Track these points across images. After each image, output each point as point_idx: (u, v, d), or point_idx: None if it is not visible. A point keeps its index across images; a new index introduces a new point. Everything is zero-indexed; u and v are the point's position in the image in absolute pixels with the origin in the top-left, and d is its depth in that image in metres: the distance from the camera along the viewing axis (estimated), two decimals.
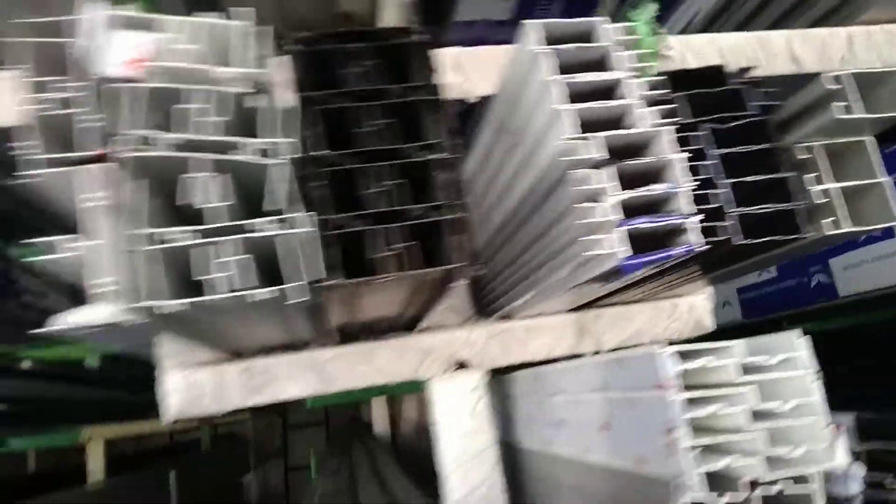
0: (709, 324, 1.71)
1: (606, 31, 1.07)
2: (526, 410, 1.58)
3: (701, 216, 1.00)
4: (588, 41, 1.07)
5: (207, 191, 0.87)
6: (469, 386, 1.60)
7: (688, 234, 0.99)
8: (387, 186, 0.95)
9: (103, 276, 0.81)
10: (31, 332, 0.86)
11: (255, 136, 0.90)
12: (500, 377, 1.77)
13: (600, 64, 1.07)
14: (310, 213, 0.90)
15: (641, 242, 1.00)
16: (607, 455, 1.13)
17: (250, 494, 7.41)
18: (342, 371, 1.56)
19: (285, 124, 0.92)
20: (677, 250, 0.98)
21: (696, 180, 1.03)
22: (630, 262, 0.96)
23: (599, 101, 1.02)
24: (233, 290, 0.86)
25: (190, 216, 0.91)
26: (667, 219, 0.99)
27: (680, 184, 0.99)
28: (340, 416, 10.35)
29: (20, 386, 3.30)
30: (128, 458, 6.02)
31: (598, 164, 0.99)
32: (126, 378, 4.73)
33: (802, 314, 2.86)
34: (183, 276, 0.88)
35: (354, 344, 1.56)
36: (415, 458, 3.74)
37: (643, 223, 0.98)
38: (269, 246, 0.89)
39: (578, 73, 1.04)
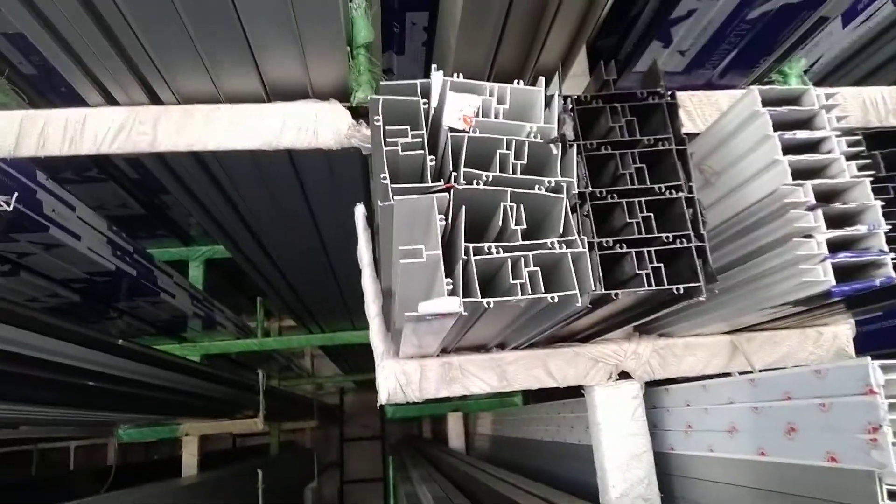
0: (850, 351, 1.87)
1: (814, 96, 1.28)
2: (685, 419, 1.77)
3: (894, 254, 1.20)
4: (796, 104, 1.29)
5: (511, 217, 1.12)
6: (631, 393, 1.81)
7: (886, 268, 1.19)
8: (638, 218, 1.18)
9: (444, 277, 1.06)
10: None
11: (543, 175, 1.15)
12: (648, 389, 1.96)
13: (807, 123, 1.29)
14: (582, 237, 1.14)
15: (839, 273, 1.20)
16: (790, 454, 1.32)
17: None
18: (520, 372, 1.79)
19: (564, 167, 1.16)
20: (879, 280, 1.18)
21: (889, 223, 1.23)
22: (839, 288, 1.17)
23: (810, 154, 1.24)
24: (524, 293, 1.10)
25: (481, 237, 1.16)
26: (867, 255, 1.19)
27: (880, 224, 1.19)
28: (396, 433, 10.58)
29: (131, 368, 3.46)
30: (208, 456, 6.34)
31: (811, 207, 1.20)
32: (224, 377, 5.06)
33: None
34: (481, 280, 1.13)
35: (531, 349, 1.79)
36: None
37: (849, 257, 1.18)
38: (551, 262, 1.14)
39: (787, 129, 1.26)
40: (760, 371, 1.83)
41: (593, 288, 1.09)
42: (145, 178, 3.78)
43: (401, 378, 1.71)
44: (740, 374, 1.91)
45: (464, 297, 1.08)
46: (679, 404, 1.82)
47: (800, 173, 1.23)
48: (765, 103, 1.28)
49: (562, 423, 2.93)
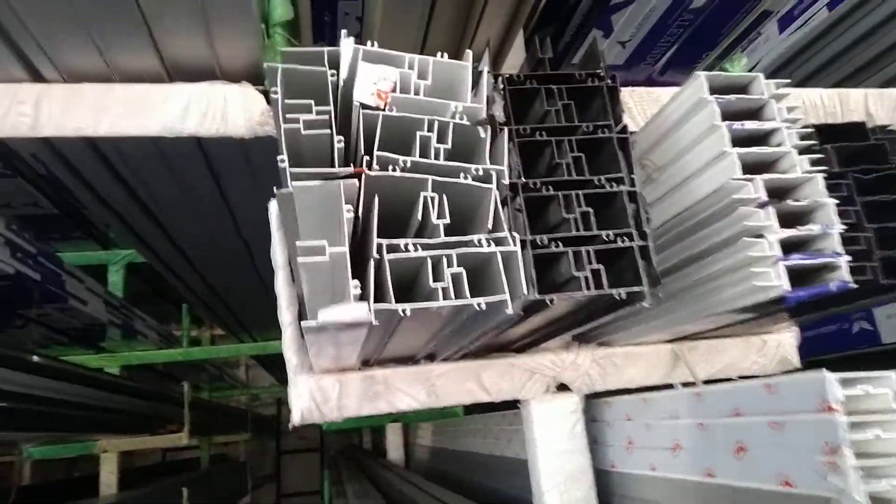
0: (795, 361, 1.80)
1: (763, 84, 1.18)
2: (626, 434, 1.65)
3: (849, 257, 1.11)
4: (744, 93, 1.19)
5: (433, 209, 0.96)
6: (569, 408, 1.68)
7: (840, 272, 1.09)
8: (576, 214, 1.04)
9: (350, 279, 0.89)
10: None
11: (470, 162, 1.00)
12: (589, 401, 1.84)
13: (756, 113, 1.18)
14: (513, 234, 0.99)
15: (792, 278, 1.10)
16: (740, 476, 1.21)
17: None
18: (451, 387, 1.63)
19: (494, 153, 1.01)
20: (834, 285, 1.07)
21: (843, 223, 1.14)
22: (793, 294, 1.06)
23: (760, 147, 1.13)
24: (446, 299, 0.94)
25: (399, 232, 1.00)
26: (822, 257, 1.09)
27: (833, 225, 1.09)
28: (336, 444, 10.29)
29: (42, 385, 3.23)
30: (131, 472, 5.97)
31: (762, 204, 1.09)
32: (145, 390, 4.74)
33: (842, 358, 2.96)
34: (398, 283, 0.97)
35: (463, 360, 1.64)
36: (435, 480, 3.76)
37: (802, 259, 1.08)
38: (478, 262, 0.98)
39: (735, 120, 1.15)
40: (704, 382, 1.73)
41: (526, 292, 0.95)
42: (57, 175, 3.46)
43: (316, 395, 1.52)
44: (683, 385, 1.81)
45: (375, 302, 0.91)
46: (620, 418, 1.70)
47: (749, 167, 1.12)
48: (712, 91, 1.16)
49: (500, 435, 2.79)
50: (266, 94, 1.65)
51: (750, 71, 2.49)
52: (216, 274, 3.50)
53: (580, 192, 1.04)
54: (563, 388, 1.68)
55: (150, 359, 5.20)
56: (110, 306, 4.40)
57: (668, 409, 1.47)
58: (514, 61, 1.82)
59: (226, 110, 1.65)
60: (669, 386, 1.78)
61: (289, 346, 1.54)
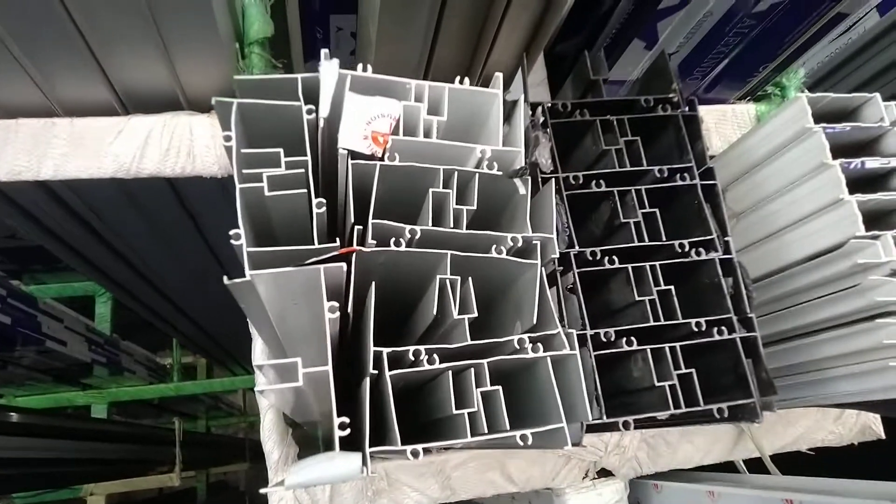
0: (878, 430, 1.50)
1: (881, 108, 0.89)
2: None
3: None
4: (855, 119, 0.90)
5: (454, 299, 0.67)
6: (612, 497, 1.38)
7: None
8: (652, 294, 0.75)
9: (335, 417, 0.60)
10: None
11: (502, 230, 0.71)
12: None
13: (872, 146, 0.90)
14: (568, 330, 0.70)
15: None
16: None
17: None
18: (469, 478, 1.33)
19: (536, 215, 0.72)
20: None
21: None
22: None
23: (884, 193, 0.84)
24: (476, 432, 0.65)
25: (404, 332, 0.71)
26: None
27: None
28: None
29: (23, 445, 3.06)
30: None
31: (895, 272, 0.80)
32: (133, 433, 4.47)
33: None
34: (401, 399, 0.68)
35: (482, 448, 1.34)
36: None
37: None
38: (517, 370, 0.69)
39: (846, 155, 0.86)
40: (771, 457, 1.44)
41: (589, 416, 0.65)
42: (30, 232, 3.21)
43: (303, 498, 1.22)
44: (745, 462, 1.52)
45: (373, 444, 0.62)
46: None
47: (868, 219, 0.83)
48: (816, 118, 0.88)
49: (517, 495, 2.48)
50: None
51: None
52: (202, 313, 3.21)
53: (656, 262, 0.75)
54: (604, 472, 1.39)
55: (139, 395, 4.92)
56: (93, 344, 4.13)
57: None
58: (534, 78, 1.53)
59: (192, 145, 1.36)
60: (729, 464, 1.50)
61: (269, 436, 1.24)
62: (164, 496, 8.14)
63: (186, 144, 1.37)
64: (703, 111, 1.33)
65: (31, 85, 1.29)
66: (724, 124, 1.49)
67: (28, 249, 3.92)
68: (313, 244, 0.67)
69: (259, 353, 0.98)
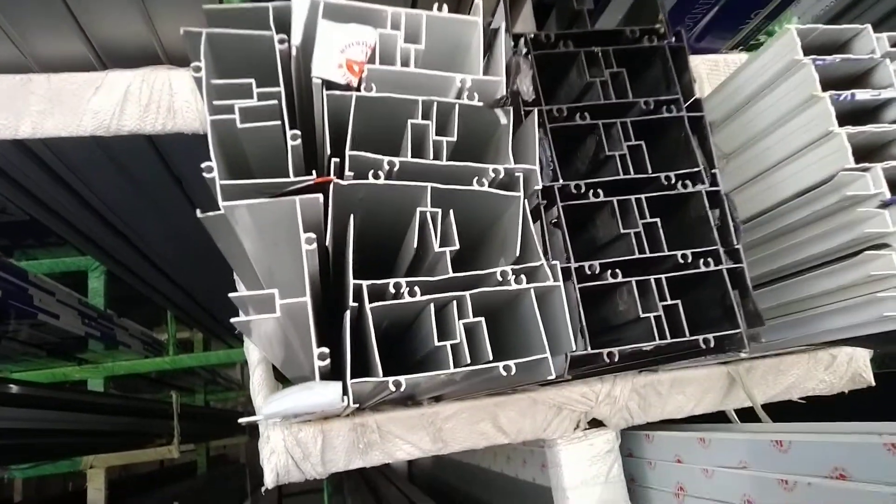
0: (868, 377, 1.51)
1: (873, 39, 0.87)
2: (675, 480, 1.36)
3: None
4: (847, 51, 0.88)
5: (435, 232, 0.66)
6: (604, 447, 1.38)
7: None
8: (638, 227, 0.73)
9: (315, 346, 0.58)
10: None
11: (484, 161, 0.69)
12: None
13: (863, 78, 0.88)
14: (552, 261, 0.69)
15: None
16: None
17: None
18: (461, 430, 1.33)
19: (519, 146, 0.71)
20: None
21: None
22: None
23: (875, 126, 0.82)
24: (459, 363, 0.64)
25: (385, 267, 0.70)
26: None
27: None
28: None
29: (21, 416, 3.09)
30: (124, 483, 5.77)
31: (886, 203, 0.79)
32: (130, 406, 4.49)
33: None
34: (384, 336, 0.67)
35: (474, 399, 1.34)
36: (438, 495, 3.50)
37: None
38: (500, 302, 0.68)
39: (838, 88, 0.85)
40: (762, 406, 1.44)
41: (574, 346, 0.64)
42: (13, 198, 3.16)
43: (294, 451, 1.22)
44: (736, 411, 1.52)
45: (354, 376, 0.61)
46: (667, 458, 1.40)
47: (858, 152, 0.82)
48: (805, 50, 0.86)
49: (512, 454, 2.50)
50: None
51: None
52: (192, 281, 3.20)
53: (642, 195, 0.73)
54: (595, 423, 1.39)
55: (135, 369, 4.93)
56: (87, 318, 4.12)
57: (737, 457, 1.17)
58: (523, 27, 1.50)
59: (172, 100, 1.34)
60: (720, 413, 1.50)
61: (258, 390, 1.24)
62: (164, 469, 8.24)
63: (166, 100, 1.34)
64: (695, 61, 1.31)
65: (4, 40, 1.26)
66: (716, 74, 1.46)
67: (19, 224, 3.88)
68: (289, 177, 0.65)
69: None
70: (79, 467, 4.55)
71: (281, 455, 1.22)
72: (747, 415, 1.48)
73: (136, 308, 5.03)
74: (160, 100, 1.34)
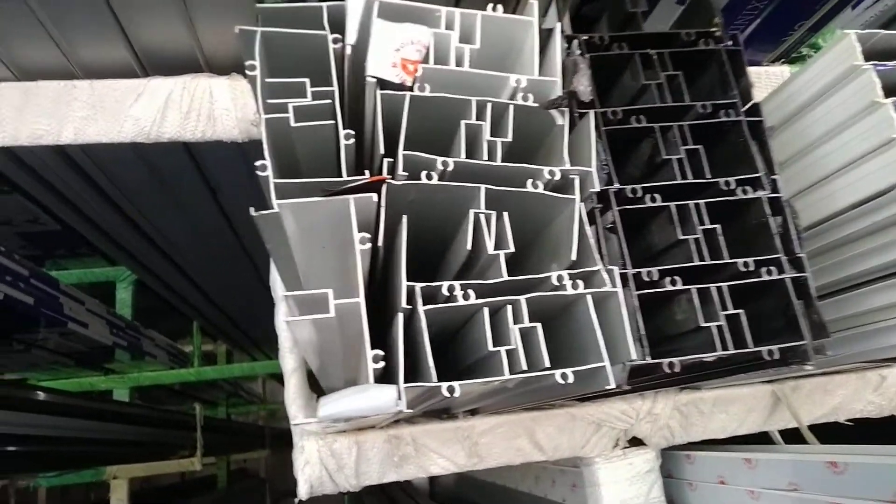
0: None
1: None
2: (720, 501, 1.31)
3: None
4: None
5: (488, 233, 0.64)
6: (644, 467, 1.34)
7: None
8: (697, 233, 0.71)
9: (368, 348, 0.57)
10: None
11: (538, 162, 0.68)
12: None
13: None
14: (609, 267, 0.67)
15: None
16: None
17: None
18: (497, 445, 1.30)
19: (575, 148, 0.69)
20: None
21: None
22: None
23: None
24: (514, 370, 0.62)
25: (435, 269, 0.68)
26: None
27: None
28: None
29: (48, 423, 3.11)
30: (145, 495, 5.78)
31: None
32: (155, 417, 4.51)
33: None
34: (435, 340, 0.65)
35: (511, 413, 1.31)
36: None
37: None
38: (554, 309, 0.66)
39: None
40: (809, 427, 1.39)
41: (633, 355, 0.62)
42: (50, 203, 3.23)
43: (328, 462, 1.20)
44: (780, 432, 1.47)
45: (408, 381, 0.59)
46: (709, 479, 1.35)
47: None
48: (866, 56, 0.83)
49: (541, 474, 2.45)
50: None
51: None
52: (221, 292, 3.22)
53: (701, 201, 0.71)
54: (634, 441, 1.35)
55: (160, 380, 4.96)
56: (115, 328, 4.17)
57: (785, 478, 1.13)
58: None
59: (213, 108, 1.34)
60: (762, 435, 1.45)
61: (293, 399, 1.22)
62: (185, 483, 8.27)
63: (206, 107, 1.35)
64: None
65: (51, 46, 1.28)
66: (758, 87, 1.43)
67: (51, 234, 3.95)
68: (343, 176, 0.64)
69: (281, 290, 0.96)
70: (102, 477, 4.57)
71: (315, 466, 1.20)
72: (791, 437, 1.42)
73: (162, 320, 5.08)
74: (200, 107, 1.35)
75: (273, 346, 4.36)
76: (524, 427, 1.30)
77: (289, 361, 1.23)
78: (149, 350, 4.71)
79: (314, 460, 1.20)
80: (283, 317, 0.58)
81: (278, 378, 7.36)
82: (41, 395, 3.12)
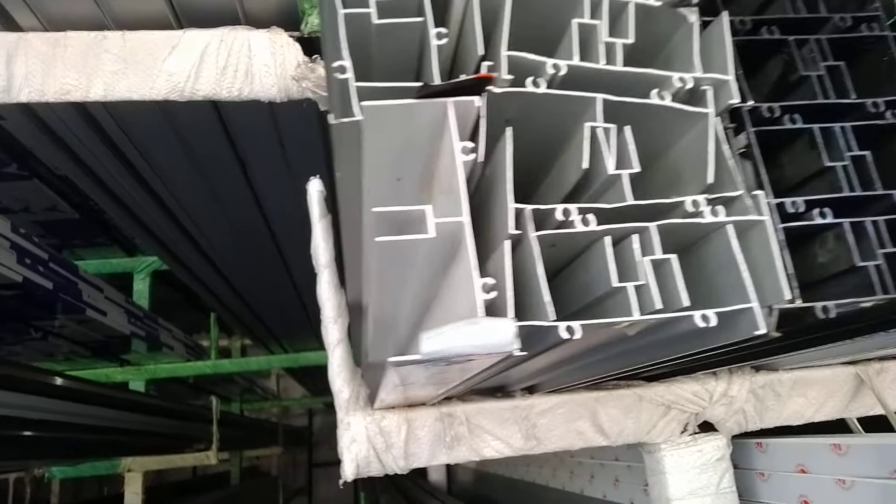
0: None
1: None
2: (797, 493, 1.19)
3: None
4: None
5: (608, 150, 0.53)
6: (714, 454, 1.23)
7: None
8: (845, 160, 0.60)
9: (477, 275, 0.46)
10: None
11: (664, 68, 0.57)
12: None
13: None
14: (753, 193, 0.56)
15: None
16: None
17: None
18: (557, 427, 1.19)
19: (708, 53, 0.58)
20: None
21: None
22: None
23: None
24: (645, 309, 0.51)
25: (543, 191, 0.57)
26: None
27: None
28: None
29: (64, 410, 3.04)
30: (158, 489, 5.74)
31: None
32: (171, 408, 4.45)
33: None
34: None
35: (572, 392, 1.20)
36: None
37: None
38: (687, 240, 0.55)
39: None
40: None
41: (785, 294, 0.51)
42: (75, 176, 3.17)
43: (376, 440, 1.10)
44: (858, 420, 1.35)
45: (519, 316, 0.48)
46: (786, 468, 1.24)
47: None
48: None
49: (577, 469, 2.33)
50: (302, 41, 1.25)
51: None
52: (243, 279, 3.13)
53: (847, 124, 0.60)
54: (706, 426, 1.24)
55: (176, 372, 4.90)
56: (132, 317, 4.11)
57: (887, 465, 1.01)
58: None
59: (251, 63, 1.24)
60: (840, 422, 1.33)
61: (338, 372, 1.12)
62: (197, 478, 8.23)
63: (245, 63, 1.25)
64: None
65: None
66: None
67: (68, 223, 3.90)
68: (435, 80, 0.54)
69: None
70: (117, 470, 4.52)
71: (363, 444, 1.10)
72: (870, 425, 1.30)
73: (179, 313, 5.03)
74: (238, 62, 1.25)
75: (293, 340, 4.28)
76: (587, 408, 1.19)
77: (333, 332, 1.13)
78: (166, 341, 4.66)
79: (361, 438, 1.10)
80: (370, 235, 0.47)
81: (293, 373, 7.29)
82: (58, 381, 3.05)
